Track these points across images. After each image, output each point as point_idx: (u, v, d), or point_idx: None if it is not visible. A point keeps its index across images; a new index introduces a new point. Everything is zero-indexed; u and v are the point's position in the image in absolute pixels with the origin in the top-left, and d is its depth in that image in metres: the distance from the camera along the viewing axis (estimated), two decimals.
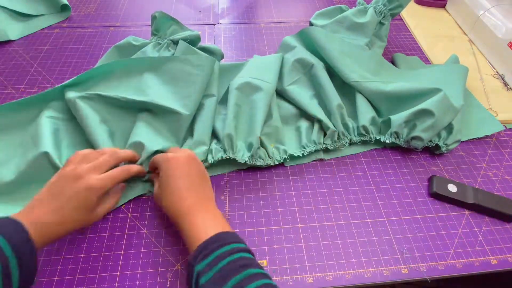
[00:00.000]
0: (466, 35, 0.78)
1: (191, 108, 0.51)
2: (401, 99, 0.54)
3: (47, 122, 0.50)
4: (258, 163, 0.50)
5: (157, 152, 0.48)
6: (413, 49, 0.75)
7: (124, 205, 0.48)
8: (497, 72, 0.69)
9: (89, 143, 0.49)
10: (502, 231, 0.47)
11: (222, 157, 0.49)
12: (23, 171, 0.46)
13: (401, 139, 0.53)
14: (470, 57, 0.73)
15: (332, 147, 0.53)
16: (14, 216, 0.35)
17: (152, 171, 0.48)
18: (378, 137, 0.54)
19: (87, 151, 0.43)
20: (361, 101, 0.56)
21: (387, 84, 0.56)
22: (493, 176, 0.53)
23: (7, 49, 0.72)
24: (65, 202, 0.37)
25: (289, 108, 0.58)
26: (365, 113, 0.55)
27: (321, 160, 0.54)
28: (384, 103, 0.56)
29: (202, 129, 0.51)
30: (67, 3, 0.80)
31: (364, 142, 0.55)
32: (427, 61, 0.71)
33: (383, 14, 0.66)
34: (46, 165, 0.46)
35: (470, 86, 0.64)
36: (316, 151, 0.53)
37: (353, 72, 0.57)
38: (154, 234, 0.45)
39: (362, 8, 0.67)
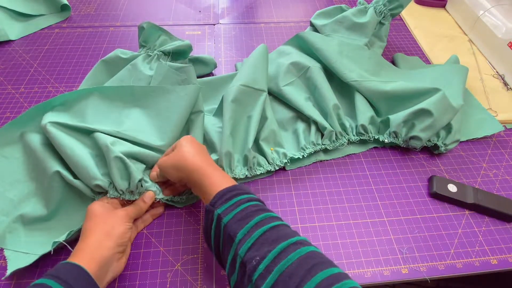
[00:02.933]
0: (466, 35, 0.78)
1: (169, 139, 0.49)
2: (400, 99, 0.54)
3: (44, 148, 0.47)
4: (258, 172, 0.50)
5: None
6: (413, 49, 0.75)
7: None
8: (497, 72, 0.69)
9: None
10: (502, 231, 0.47)
11: None
12: (48, 200, 0.45)
13: (399, 139, 0.53)
14: (470, 57, 0.73)
15: (330, 147, 0.53)
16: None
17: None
18: (376, 137, 0.54)
19: None
20: (360, 101, 0.56)
21: (387, 83, 0.56)
22: (493, 176, 0.53)
23: (7, 49, 0.72)
24: None
25: (285, 112, 0.58)
26: (364, 112, 0.55)
27: (321, 161, 0.54)
28: (383, 103, 0.56)
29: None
30: (67, 3, 0.80)
31: (363, 141, 0.55)
32: (427, 61, 0.71)
33: (383, 14, 0.66)
34: (61, 184, 0.44)
35: (470, 86, 0.64)
36: (315, 152, 0.53)
37: (352, 72, 0.57)
38: (154, 234, 0.45)
39: (363, 8, 0.67)
